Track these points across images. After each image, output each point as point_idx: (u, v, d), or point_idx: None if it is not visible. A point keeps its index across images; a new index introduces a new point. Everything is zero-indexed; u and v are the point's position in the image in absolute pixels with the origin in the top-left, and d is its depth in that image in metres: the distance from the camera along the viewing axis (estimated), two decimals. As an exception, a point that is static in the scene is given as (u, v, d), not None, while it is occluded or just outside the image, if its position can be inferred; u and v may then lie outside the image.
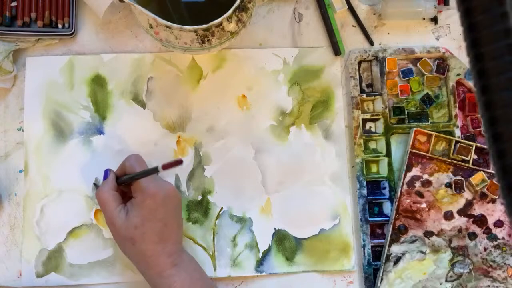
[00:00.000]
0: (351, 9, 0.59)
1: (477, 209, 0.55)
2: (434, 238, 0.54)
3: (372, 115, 0.57)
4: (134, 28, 0.58)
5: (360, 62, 0.59)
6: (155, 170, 0.44)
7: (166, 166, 0.43)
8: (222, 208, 0.55)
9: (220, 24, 0.46)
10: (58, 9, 0.56)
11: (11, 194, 0.55)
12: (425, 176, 0.55)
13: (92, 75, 0.57)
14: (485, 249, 0.55)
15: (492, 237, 0.55)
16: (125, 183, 0.49)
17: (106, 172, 0.52)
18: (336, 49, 0.58)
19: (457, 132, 0.57)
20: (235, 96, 0.57)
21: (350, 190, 0.56)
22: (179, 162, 0.42)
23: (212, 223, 0.55)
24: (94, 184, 0.55)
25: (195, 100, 0.57)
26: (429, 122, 0.57)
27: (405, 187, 0.55)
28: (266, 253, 0.55)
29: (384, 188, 0.56)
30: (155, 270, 0.47)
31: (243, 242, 0.55)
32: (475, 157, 0.55)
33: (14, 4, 0.56)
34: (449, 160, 0.55)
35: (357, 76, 0.58)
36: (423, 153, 0.55)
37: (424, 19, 0.60)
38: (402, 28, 0.60)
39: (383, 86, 0.57)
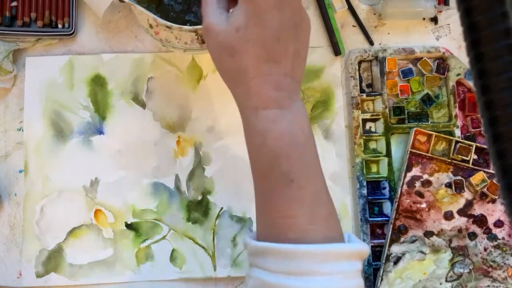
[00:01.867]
0: (351, 9, 0.59)
1: (477, 209, 0.55)
2: (434, 238, 0.54)
3: (372, 115, 0.57)
4: (134, 28, 0.58)
5: (360, 62, 0.58)
6: None
7: None
8: (222, 208, 0.55)
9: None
10: (58, 9, 0.56)
11: (11, 194, 0.55)
12: (425, 176, 0.55)
13: (92, 75, 0.57)
14: (485, 249, 0.55)
15: (492, 237, 0.55)
16: None
17: None
18: (336, 49, 0.58)
19: (457, 132, 0.56)
20: (235, 96, 0.57)
21: (350, 190, 0.56)
22: None
23: (212, 223, 0.55)
24: None
25: (195, 100, 0.57)
26: (429, 122, 0.57)
27: (405, 187, 0.55)
28: (266, 253, 0.54)
29: (384, 188, 0.56)
30: (253, 102, 0.34)
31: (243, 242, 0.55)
32: (475, 157, 0.55)
33: (14, 4, 0.56)
34: (449, 160, 0.55)
35: (357, 76, 0.58)
36: (423, 153, 0.55)
37: (424, 19, 0.60)
38: (402, 28, 0.60)
39: (383, 86, 0.57)
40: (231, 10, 0.35)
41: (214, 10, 0.35)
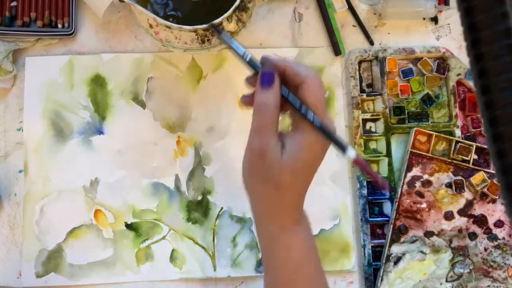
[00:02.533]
0: (351, 9, 0.59)
1: (477, 209, 0.55)
2: (434, 238, 0.54)
3: (372, 115, 0.57)
4: (134, 28, 0.58)
5: (360, 62, 0.58)
6: (342, 148, 0.35)
7: (362, 164, 0.35)
8: (222, 208, 0.55)
9: (220, 24, 0.46)
10: (58, 9, 0.56)
11: (11, 194, 0.55)
12: (425, 176, 0.55)
13: (92, 75, 0.57)
14: (485, 249, 0.55)
15: (492, 237, 0.55)
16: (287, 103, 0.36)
17: (269, 74, 0.35)
18: (336, 49, 0.58)
19: (457, 132, 0.56)
20: (235, 96, 0.57)
21: (350, 190, 0.56)
22: (383, 186, 0.36)
23: (212, 223, 0.55)
24: (214, 27, 0.42)
25: (195, 100, 0.57)
26: (429, 122, 0.57)
27: (405, 187, 0.55)
28: (266, 253, 0.54)
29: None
30: (282, 221, 0.37)
31: (243, 242, 0.55)
32: (475, 157, 0.55)
33: (14, 4, 0.56)
34: (449, 160, 0.55)
35: (357, 76, 0.57)
36: (423, 153, 0.55)
37: (424, 19, 0.60)
38: (402, 28, 0.60)
39: (383, 86, 0.57)
40: (287, 137, 0.36)
41: (273, 139, 0.35)
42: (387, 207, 0.55)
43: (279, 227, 0.38)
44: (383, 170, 0.56)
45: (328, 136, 0.35)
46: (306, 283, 0.38)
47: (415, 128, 0.55)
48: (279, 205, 0.37)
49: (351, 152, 0.34)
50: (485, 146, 0.55)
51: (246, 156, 0.38)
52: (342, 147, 0.35)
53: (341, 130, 0.57)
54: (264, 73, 0.35)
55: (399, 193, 0.55)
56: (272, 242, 0.38)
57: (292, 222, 0.38)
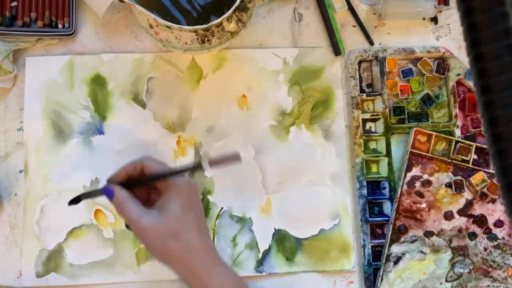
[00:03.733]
0: (351, 9, 0.59)
1: (477, 209, 0.55)
2: (434, 238, 0.54)
3: (372, 115, 0.57)
4: (134, 28, 0.58)
5: (360, 62, 0.59)
6: (198, 167, 0.42)
7: (215, 163, 0.41)
8: (222, 208, 0.55)
9: (220, 24, 0.46)
10: (58, 9, 0.56)
11: (11, 194, 0.55)
12: (425, 176, 0.55)
13: (92, 75, 0.57)
14: (485, 249, 0.55)
15: (492, 237, 0.55)
16: (152, 181, 0.45)
17: (108, 190, 0.44)
18: (336, 49, 0.58)
19: (457, 132, 0.57)
20: (235, 96, 0.57)
21: (350, 190, 0.56)
22: (236, 158, 0.41)
23: (212, 223, 0.55)
24: (77, 198, 0.47)
25: (195, 100, 0.57)
26: (429, 122, 0.57)
27: (405, 187, 0.55)
28: (266, 253, 0.54)
29: (384, 188, 0.56)
30: (206, 267, 0.43)
31: (243, 242, 0.55)
32: (475, 157, 0.55)
33: (14, 4, 0.56)
34: (449, 160, 0.55)
35: (357, 76, 0.58)
36: (423, 153, 0.55)
37: (424, 19, 0.60)
38: (402, 28, 0.60)
39: (383, 86, 0.57)
40: (157, 203, 0.44)
41: (142, 212, 0.42)
42: (387, 207, 0.56)
43: (206, 273, 0.42)
44: (383, 170, 0.56)
45: (188, 170, 0.43)
46: None
47: (415, 128, 0.55)
48: (193, 252, 0.42)
49: (205, 164, 0.42)
50: (485, 146, 0.55)
51: (143, 242, 0.44)
52: (197, 167, 0.42)
53: (341, 130, 0.57)
54: (105, 190, 0.44)
55: (399, 193, 0.55)
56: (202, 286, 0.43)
57: (215, 263, 0.43)
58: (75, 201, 0.47)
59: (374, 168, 0.57)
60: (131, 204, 0.42)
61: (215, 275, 0.42)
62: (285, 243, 0.55)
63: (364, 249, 0.54)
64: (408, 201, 0.55)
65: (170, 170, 0.45)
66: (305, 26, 0.59)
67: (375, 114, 0.57)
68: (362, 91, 0.58)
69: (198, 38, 0.47)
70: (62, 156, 0.55)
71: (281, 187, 0.56)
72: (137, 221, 0.42)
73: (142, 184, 0.46)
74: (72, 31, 0.56)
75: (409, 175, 0.55)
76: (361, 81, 0.58)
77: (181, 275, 0.43)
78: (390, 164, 0.56)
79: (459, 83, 0.58)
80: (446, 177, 0.55)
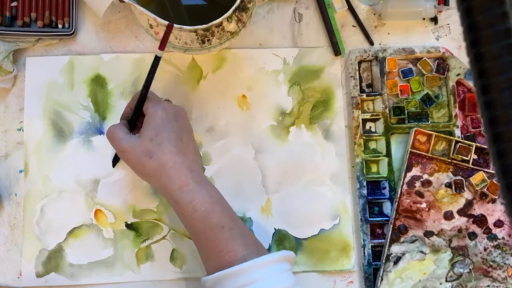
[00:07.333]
0: (351, 9, 0.59)
1: (477, 209, 0.55)
2: (434, 238, 0.54)
3: (372, 115, 0.57)
4: (134, 28, 0.58)
5: (360, 62, 0.59)
6: (154, 66, 0.48)
7: (162, 45, 0.45)
8: (222, 208, 0.55)
9: (220, 24, 0.46)
10: (58, 9, 0.56)
11: (11, 194, 0.55)
12: (425, 176, 0.55)
13: (92, 75, 0.57)
14: (485, 249, 0.55)
15: (492, 237, 0.55)
16: (136, 114, 0.50)
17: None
18: (336, 49, 0.58)
19: (457, 132, 0.57)
20: (235, 96, 0.57)
21: (350, 190, 0.56)
22: (169, 27, 0.44)
23: (212, 223, 0.55)
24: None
25: (195, 100, 0.57)
26: (429, 122, 0.57)
27: (405, 187, 0.55)
28: (266, 253, 0.54)
29: (384, 188, 0.56)
30: (177, 184, 0.45)
31: (243, 242, 0.55)
32: (475, 157, 0.55)
33: (14, 4, 0.56)
34: (449, 160, 0.55)
35: (357, 76, 0.58)
36: (423, 153, 0.55)
37: (424, 19, 0.60)
38: (402, 28, 0.60)
39: (383, 86, 0.57)
40: (141, 128, 0.47)
41: (124, 137, 0.47)
42: (387, 207, 0.56)
43: (178, 189, 0.45)
44: (383, 170, 0.56)
45: (144, 93, 0.49)
46: (215, 228, 0.45)
47: (415, 128, 0.55)
48: (165, 169, 0.45)
49: (157, 52, 0.46)
50: (485, 146, 0.55)
51: (125, 162, 0.48)
52: (153, 68, 0.48)
53: (341, 130, 0.57)
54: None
55: (399, 193, 0.55)
56: (176, 205, 0.45)
57: (187, 181, 0.45)
58: (116, 160, 0.55)
59: (374, 168, 0.57)
60: (117, 132, 0.47)
61: (184, 190, 0.45)
62: (285, 243, 0.55)
63: (364, 249, 0.54)
64: (408, 201, 0.55)
65: (137, 98, 0.49)
66: (305, 26, 0.59)
67: (375, 114, 0.57)
68: (362, 91, 0.58)
69: (198, 38, 0.47)
70: (62, 156, 0.55)
71: (281, 187, 0.56)
72: (119, 144, 0.47)
73: (134, 117, 0.50)
74: (72, 31, 0.56)
75: (409, 175, 0.55)
76: (361, 81, 0.58)
77: (157, 189, 0.49)
78: (390, 164, 0.56)
79: (459, 83, 0.58)
80: (446, 177, 0.55)
